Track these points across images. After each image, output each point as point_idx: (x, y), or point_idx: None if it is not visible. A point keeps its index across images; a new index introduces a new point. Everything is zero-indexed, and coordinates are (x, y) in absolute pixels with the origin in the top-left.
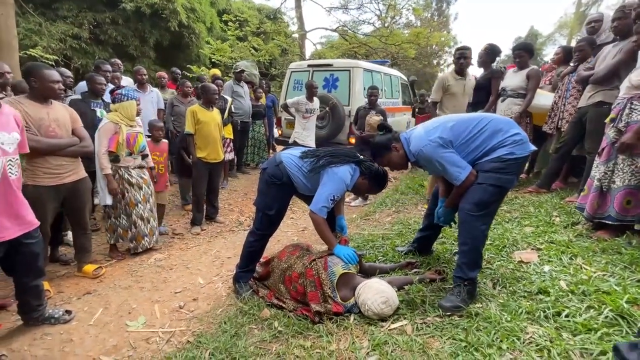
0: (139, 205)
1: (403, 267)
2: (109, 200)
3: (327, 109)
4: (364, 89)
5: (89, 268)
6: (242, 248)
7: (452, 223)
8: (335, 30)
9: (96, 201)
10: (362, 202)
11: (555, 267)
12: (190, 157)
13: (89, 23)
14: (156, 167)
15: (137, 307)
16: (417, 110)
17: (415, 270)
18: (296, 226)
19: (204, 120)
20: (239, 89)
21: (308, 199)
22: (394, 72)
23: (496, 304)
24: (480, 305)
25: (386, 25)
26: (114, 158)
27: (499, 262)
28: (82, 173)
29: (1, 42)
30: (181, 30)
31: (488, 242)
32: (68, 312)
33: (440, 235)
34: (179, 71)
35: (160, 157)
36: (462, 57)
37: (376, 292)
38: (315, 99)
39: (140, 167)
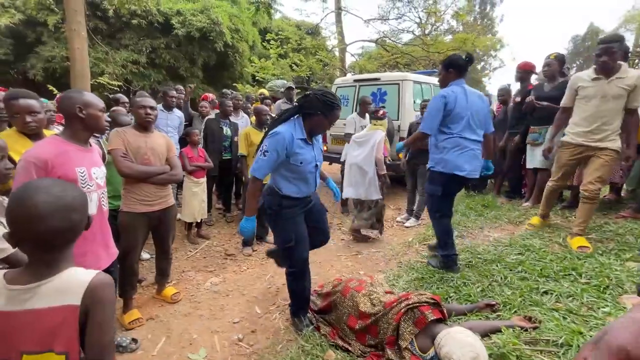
0: None
1: (481, 308)
2: None
3: None
4: (414, 102)
5: (168, 292)
6: (287, 288)
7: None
8: (375, 42)
9: None
10: (416, 222)
11: None
12: (243, 178)
13: (147, 49)
14: None
15: (197, 337)
16: None
17: (497, 313)
18: (349, 249)
19: (257, 142)
20: (286, 106)
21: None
22: None
23: None
24: None
25: (427, 32)
26: None
27: (605, 309)
28: (171, 201)
29: (76, 73)
30: (226, 50)
31: (583, 280)
32: (134, 340)
33: (519, 269)
34: (229, 92)
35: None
36: (605, 54)
37: (463, 345)
38: (367, 115)
39: None
